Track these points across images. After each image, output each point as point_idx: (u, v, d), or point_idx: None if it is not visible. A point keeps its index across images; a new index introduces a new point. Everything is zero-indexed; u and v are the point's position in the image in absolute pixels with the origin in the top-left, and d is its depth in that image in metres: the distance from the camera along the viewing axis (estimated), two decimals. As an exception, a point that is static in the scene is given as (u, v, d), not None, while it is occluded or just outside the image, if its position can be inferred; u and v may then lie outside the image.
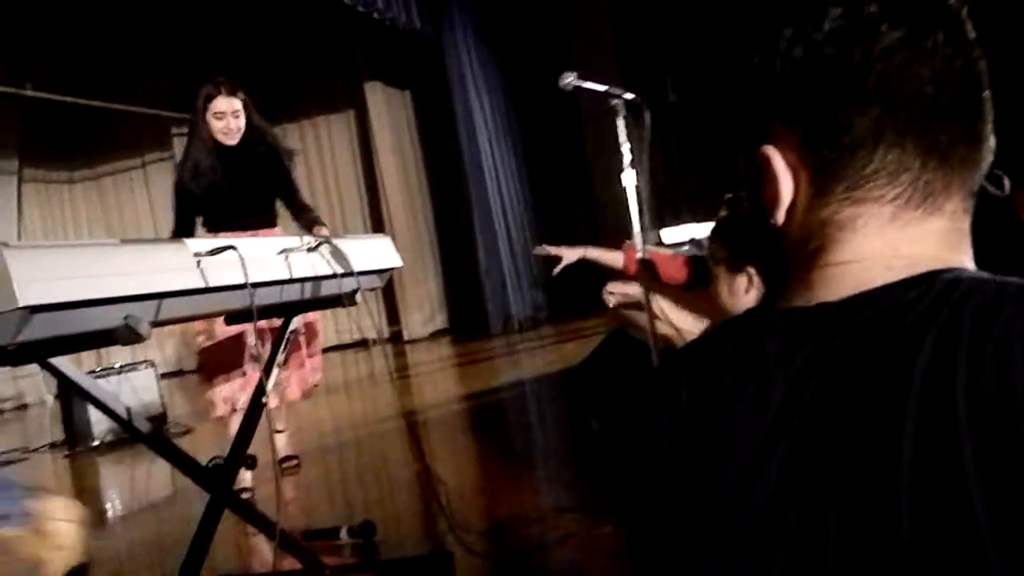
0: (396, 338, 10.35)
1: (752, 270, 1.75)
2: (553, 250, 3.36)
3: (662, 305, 2.84)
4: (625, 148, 3.04)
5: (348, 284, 2.25)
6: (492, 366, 7.42)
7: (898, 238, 0.65)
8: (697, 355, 0.73)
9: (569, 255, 3.35)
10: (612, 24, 9.71)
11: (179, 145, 10.79)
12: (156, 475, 4.71)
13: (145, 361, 6.49)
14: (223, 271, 1.87)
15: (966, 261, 0.66)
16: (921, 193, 0.65)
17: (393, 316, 10.44)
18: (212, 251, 1.86)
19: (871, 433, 0.56)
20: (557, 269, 3.40)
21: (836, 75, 0.64)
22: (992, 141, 0.67)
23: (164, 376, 6.95)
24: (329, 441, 4.98)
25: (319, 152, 11.04)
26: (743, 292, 1.74)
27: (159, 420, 6.02)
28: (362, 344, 10.37)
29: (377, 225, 10.50)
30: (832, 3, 0.65)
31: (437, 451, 4.10)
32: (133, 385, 6.05)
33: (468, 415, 5.36)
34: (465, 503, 3.05)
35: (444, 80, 9.11)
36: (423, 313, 10.38)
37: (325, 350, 10.16)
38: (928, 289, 0.59)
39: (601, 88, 3.03)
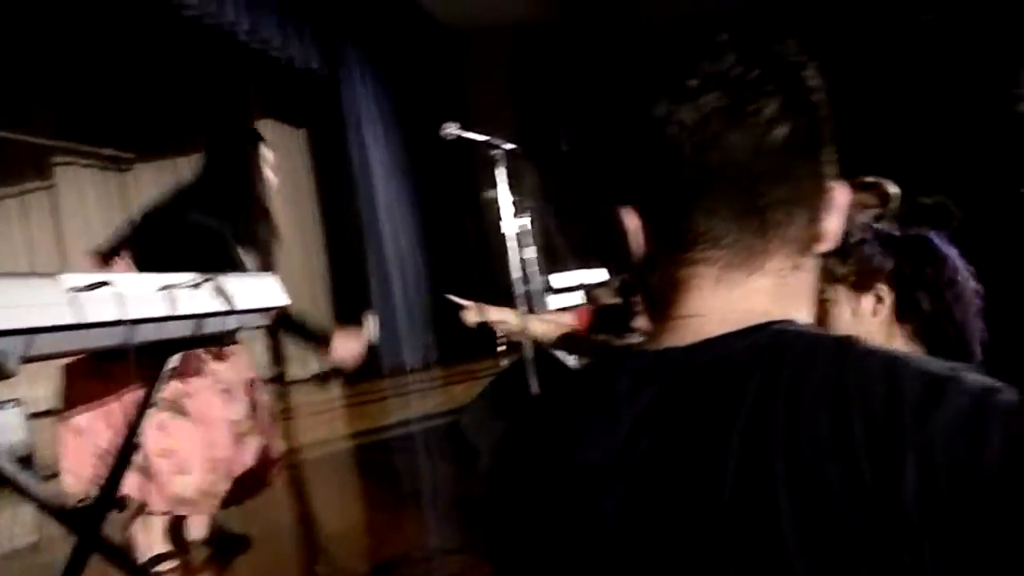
0: (280, 379, 10.13)
1: (884, 287, 1.46)
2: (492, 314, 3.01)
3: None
4: (504, 198, 3.12)
5: (231, 322, 2.23)
6: (382, 407, 7.36)
7: (727, 297, 0.69)
8: (559, 395, 0.77)
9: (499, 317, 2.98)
10: (508, 72, 9.94)
11: (62, 175, 10.38)
12: (22, 520, 4.47)
13: (12, 400, 6.17)
14: (101, 306, 1.83)
15: (796, 313, 0.70)
16: (741, 256, 0.68)
17: (279, 355, 10.22)
18: (88, 286, 1.82)
19: (701, 464, 0.60)
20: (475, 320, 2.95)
21: (658, 147, 0.67)
22: (811, 207, 0.69)
23: (35, 416, 6.60)
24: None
25: (211, 187, 10.80)
26: (870, 314, 1.45)
27: (25, 462, 5.71)
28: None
29: (266, 262, 10.31)
30: (662, 77, 0.68)
31: (322, 492, 4.04)
32: (-1, 425, 5.73)
33: (355, 456, 5.30)
34: (350, 544, 3.03)
35: (340, 120, 9.09)
36: (311, 353, 10.22)
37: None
38: (757, 339, 0.64)
39: (482, 138, 3.10)
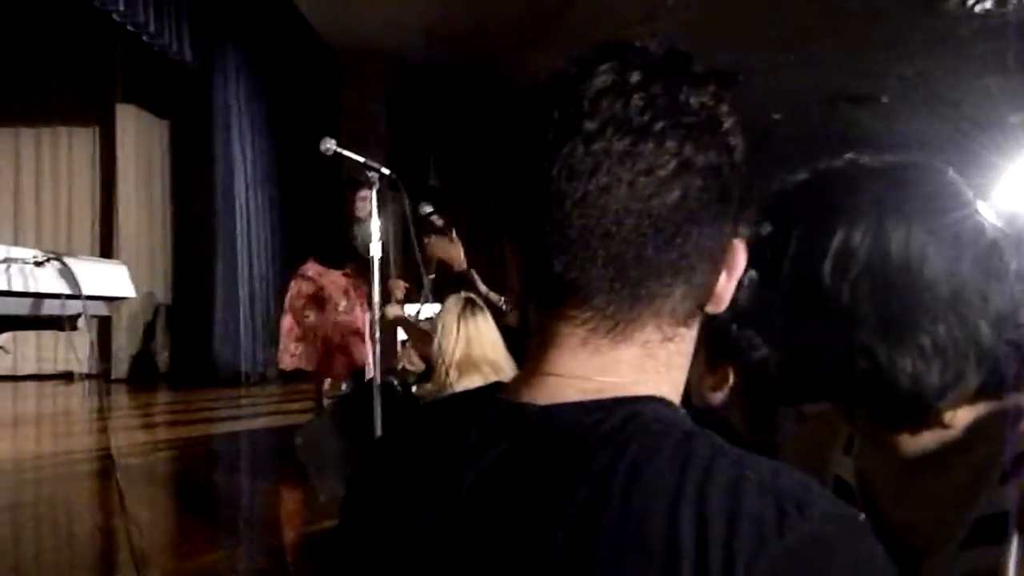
0: (105, 375, 9.56)
1: (731, 372, 1.50)
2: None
3: None
4: (375, 221, 3.11)
5: (73, 306, 2.13)
6: (210, 416, 7.09)
7: (589, 364, 0.64)
8: (406, 437, 0.74)
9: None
10: (386, 100, 9.93)
11: None
12: None
13: None
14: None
15: (660, 388, 0.65)
16: (609, 322, 0.64)
17: (105, 351, 9.64)
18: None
19: (525, 547, 0.58)
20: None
21: (542, 193, 0.62)
22: (697, 275, 0.64)
23: None
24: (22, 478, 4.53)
25: (54, 163, 10.20)
26: (707, 387, 1.52)
27: None
28: (65, 377, 9.51)
29: (106, 250, 9.78)
30: (561, 111, 0.62)
31: (132, 501, 3.85)
32: None
33: (171, 464, 5.07)
34: (156, 555, 2.91)
35: (208, 117, 8.81)
36: (141, 351, 9.75)
37: (23, 378, 9.15)
38: (609, 416, 0.61)
39: (359, 159, 3.11)
